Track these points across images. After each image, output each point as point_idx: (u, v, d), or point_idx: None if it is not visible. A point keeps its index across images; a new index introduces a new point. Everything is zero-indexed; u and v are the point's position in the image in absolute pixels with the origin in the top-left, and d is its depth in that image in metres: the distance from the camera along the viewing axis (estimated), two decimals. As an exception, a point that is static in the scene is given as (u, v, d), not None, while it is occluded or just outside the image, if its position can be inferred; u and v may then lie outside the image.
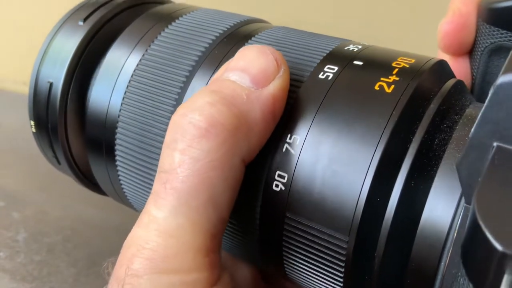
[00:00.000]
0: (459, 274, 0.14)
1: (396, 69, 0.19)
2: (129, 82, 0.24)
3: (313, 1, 0.50)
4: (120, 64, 0.25)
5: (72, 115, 0.27)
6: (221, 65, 0.22)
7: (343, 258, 0.18)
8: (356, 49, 0.21)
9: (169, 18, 0.26)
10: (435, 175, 0.17)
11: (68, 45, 0.26)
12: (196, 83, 0.23)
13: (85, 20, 0.27)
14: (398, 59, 0.20)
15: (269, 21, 0.28)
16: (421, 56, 0.21)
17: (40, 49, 0.27)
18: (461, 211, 0.17)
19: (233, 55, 0.21)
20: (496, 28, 0.26)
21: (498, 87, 0.14)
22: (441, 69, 0.20)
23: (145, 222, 0.19)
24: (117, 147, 0.25)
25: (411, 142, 0.18)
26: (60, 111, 0.27)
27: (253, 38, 0.23)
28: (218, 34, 0.24)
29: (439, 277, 0.17)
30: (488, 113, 0.14)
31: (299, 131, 0.19)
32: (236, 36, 0.24)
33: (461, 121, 0.19)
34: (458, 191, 0.17)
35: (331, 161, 0.18)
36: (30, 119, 0.28)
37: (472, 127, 0.14)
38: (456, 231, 0.17)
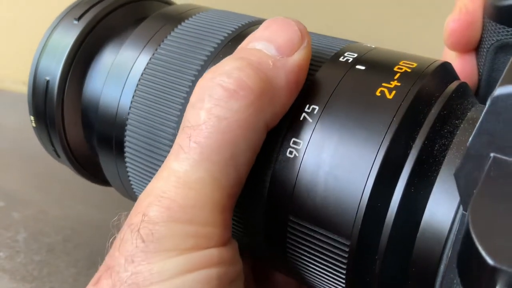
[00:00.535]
0: (455, 282, 0.14)
1: (398, 74, 0.19)
2: (139, 82, 0.25)
3: (316, 2, 0.50)
4: (130, 64, 0.26)
5: (69, 109, 0.28)
6: None
7: (345, 261, 0.19)
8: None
9: (178, 19, 0.26)
10: (435, 181, 0.18)
11: (64, 42, 0.28)
12: None
13: (79, 18, 0.28)
14: (400, 63, 0.20)
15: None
16: (424, 59, 0.21)
17: (38, 46, 0.29)
18: (460, 216, 0.17)
19: None
20: (502, 26, 0.26)
21: (495, 99, 0.14)
22: (443, 72, 0.20)
23: (164, 175, 0.19)
24: (126, 143, 0.25)
25: (411, 148, 0.18)
26: (57, 105, 0.28)
27: None
28: (224, 37, 0.24)
29: (439, 280, 0.17)
30: (485, 124, 0.14)
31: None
32: (242, 38, 0.24)
33: (462, 125, 0.19)
34: (457, 196, 0.17)
35: (332, 168, 0.18)
36: (30, 114, 0.29)
37: (472, 132, 0.15)
38: (455, 236, 0.17)
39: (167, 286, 0.17)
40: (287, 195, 0.19)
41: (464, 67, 0.28)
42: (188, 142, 0.19)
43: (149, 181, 0.25)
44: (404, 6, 0.48)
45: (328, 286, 0.20)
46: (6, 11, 0.60)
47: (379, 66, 0.20)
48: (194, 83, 0.23)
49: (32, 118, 0.29)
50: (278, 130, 0.20)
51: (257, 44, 0.20)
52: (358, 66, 0.20)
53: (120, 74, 0.26)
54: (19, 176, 0.48)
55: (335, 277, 0.19)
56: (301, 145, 0.19)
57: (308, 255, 0.20)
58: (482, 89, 0.28)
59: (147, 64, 0.25)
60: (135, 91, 0.25)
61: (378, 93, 0.19)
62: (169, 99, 0.24)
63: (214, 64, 0.23)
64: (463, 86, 0.21)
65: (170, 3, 0.31)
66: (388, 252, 0.18)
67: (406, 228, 0.18)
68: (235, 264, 0.19)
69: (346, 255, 0.18)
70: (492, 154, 0.14)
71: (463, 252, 0.14)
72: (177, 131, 0.23)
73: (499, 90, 0.14)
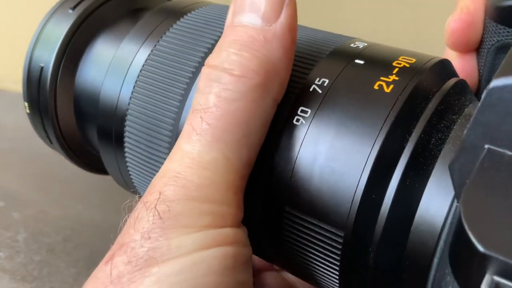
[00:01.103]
0: (447, 271, 0.14)
1: (397, 69, 0.19)
2: (139, 75, 0.25)
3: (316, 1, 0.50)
4: (131, 58, 0.26)
5: (61, 96, 0.29)
6: None
7: (339, 252, 0.19)
8: (361, 46, 0.22)
9: (179, 13, 0.27)
10: (430, 174, 0.18)
11: (58, 31, 0.28)
12: None
13: (74, 8, 0.29)
14: (400, 58, 0.20)
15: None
16: (423, 55, 0.21)
17: (34, 35, 0.29)
18: (454, 209, 0.17)
19: None
20: (503, 26, 0.26)
21: (490, 91, 0.14)
22: (442, 68, 0.20)
23: (177, 157, 0.19)
24: (126, 134, 0.25)
25: (407, 141, 0.18)
26: (50, 92, 0.28)
27: None
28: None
29: (432, 273, 0.18)
30: (480, 116, 0.14)
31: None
32: None
33: (459, 120, 0.19)
34: (452, 190, 0.17)
35: (328, 160, 0.19)
36: (24, 100, 0.30)
37: None
38: (449, 229, 0.17)
39: (185, 260, 0.17)
40: (284, 185, 0.20)
41: (465, 67, 0.28)
42: (200, 123, 0.19)
43: (148, 172, 0.26)
44: (405, 6, 0.48)
45: (322, 277, 0.20)
46: (6, 11, 0.60)
47: (378, 60, 0.20)
48: (194, 76, 0.23)
49: (26, 104, 0.30)
50: (276, 128, 0.20)
51: (241, 17, 0.20)
52: (357, 61, 0.20)
53: (121, 67, 0.26)
54: (19, 176, 0.48)
55: (329, 268, 0.19)
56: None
57: (303, 245, 0.20)
58: (483, 89, 0.28)
59: (147, 58, 0.25)
60: (135, 83, 0.25)
61: (376, 87, 0.19)
62: (169, 90, 0.24)
63: None
64: (462, 83, 0.21)
65: None
66: (382, 244, 0.18)
67: (400, 221, 0.18)
68: (247, 247, 0.19)
69: (340, 246, 0.19)
70: (486, 146, 0.14)
71: (455, 241, 0.14)
72: (176, 124, 0.24)
73: (494, 83, 0.14)
